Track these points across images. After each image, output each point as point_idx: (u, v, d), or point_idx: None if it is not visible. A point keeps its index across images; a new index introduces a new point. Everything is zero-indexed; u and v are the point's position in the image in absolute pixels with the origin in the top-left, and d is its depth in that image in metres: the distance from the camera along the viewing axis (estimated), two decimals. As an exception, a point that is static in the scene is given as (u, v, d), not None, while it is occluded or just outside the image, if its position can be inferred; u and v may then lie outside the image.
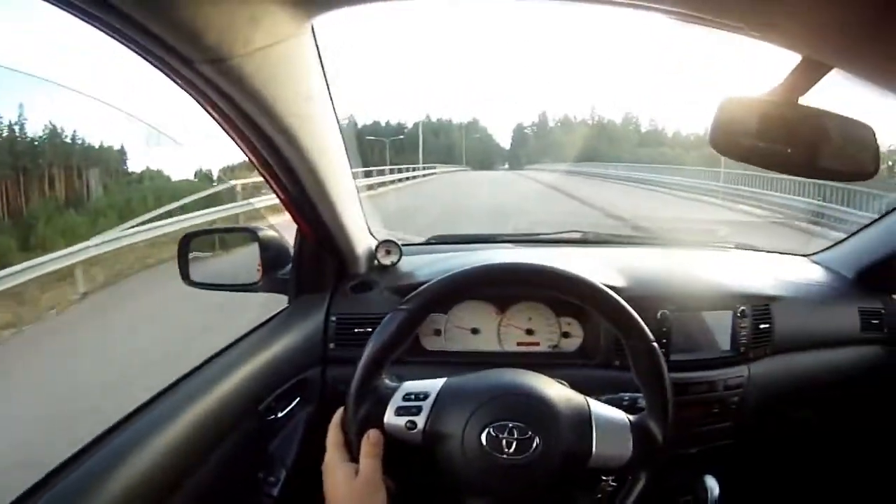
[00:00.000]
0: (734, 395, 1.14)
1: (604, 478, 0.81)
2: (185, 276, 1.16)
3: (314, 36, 0.74)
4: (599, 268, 1.16)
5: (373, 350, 0.80)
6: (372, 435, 0.78)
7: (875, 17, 0.35)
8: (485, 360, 1.08)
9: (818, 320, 1.29)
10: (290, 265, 1.18)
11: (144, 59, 0.60)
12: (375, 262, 1.24)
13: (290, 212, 1.03)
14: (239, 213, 8.34)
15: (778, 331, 1.20)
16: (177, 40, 0.56)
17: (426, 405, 0.78)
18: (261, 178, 0.91)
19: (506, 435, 0.74)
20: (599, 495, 0.81)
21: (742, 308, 1.16)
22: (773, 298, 1.22)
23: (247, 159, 0.85)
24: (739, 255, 1.50)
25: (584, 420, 0.77)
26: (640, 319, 0.80)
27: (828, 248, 1.52)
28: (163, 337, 3.95)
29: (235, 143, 0.81)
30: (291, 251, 1.18)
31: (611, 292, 0.81)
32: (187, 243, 1.18)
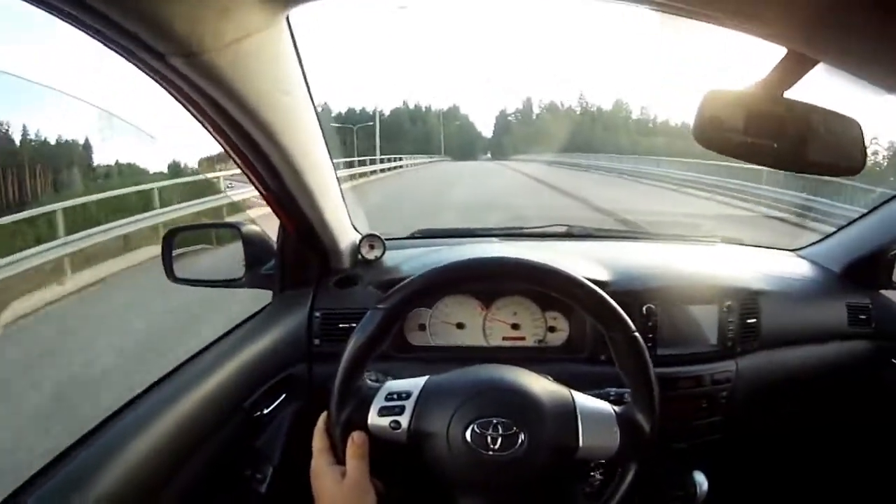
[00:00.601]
0: (722, 390, 1.15)
1: (592, 472, 0.83)
2: (170, 272, 1.15)
3: (290, 28, 0.73)
4: (584, 262, 1.17)
5: (352, 350, 0.80)
6: (356, 437, 0.78)
7: (861, 10, 0.36)
8: (470, 355, 1.08)
9: (805, 315, 1.31)
10: (274, 261, 1.18)
11: (117, 52, 0.59)
12: (359, 256, 1.24)
13: (271, 206, 1.02)
14: (220, 205, 8.35)
15: (765, 325, 1.22)
16: (148, 34, 0.55)
17: (409, 404, 0.78)
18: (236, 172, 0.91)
19: (490, 431, 0.74)
20: (588, 489, 0.83)
21: (729, 303, 1.17)
22: (760, 293, 1.23)
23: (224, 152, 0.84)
24: (726, 250, 1.51)
25: (568, 413, 0.77)
26: (620, 310, 0.80)
27: (815, 243, 1.54)
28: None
29: (213, 137, 0.80)
30: (274, 247, 1.17)
31: (591, 284, 0.81)
32: (172, 239, 1.17)
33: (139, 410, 0.83)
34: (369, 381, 0.82)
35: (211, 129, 0.78)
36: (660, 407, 0.79)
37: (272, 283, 1.18)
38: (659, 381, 0.80)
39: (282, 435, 1.04)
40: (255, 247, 1.16)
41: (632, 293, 1.11)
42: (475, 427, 0.74)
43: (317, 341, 1.13)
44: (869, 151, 0.53)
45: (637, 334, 0.80)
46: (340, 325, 1.12)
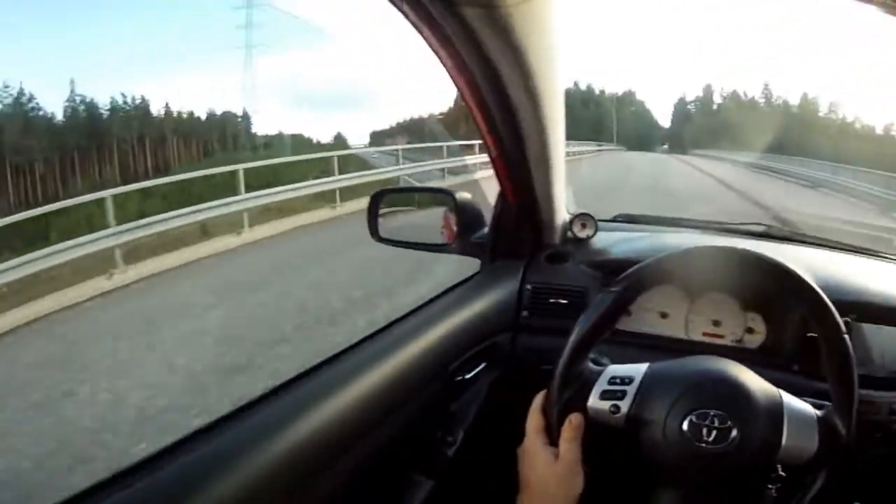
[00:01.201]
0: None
1: (774, 474, 0.79)
2: (374, 231, 1.23)
3: None
4: (786, 263, 1.09)
5: (581, 332, 0.81)
6: (574, 418, 0.79)
7: None
8: (670, 346, 1.09)
9: None
10: (486, 229, 1.21)
11: None
12: (570, 234, 1.25)
13: (499, 174, 1.05)
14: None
15: None
16: None
17: (631, 389, 0.78)
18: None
19: (707, 423, 0.73)
20: (775, 491, 0.79)
21: None
22: None
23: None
24: None
25: (778, 411, 0.76)
26: (836, 312, 0.79)
27: None
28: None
29: (463, 95, 0.82)
30: (485, 216, 1.21)
31: (812, 281, 0.80)
32: (378, 200, 1.25)
33: (346, 363, 0.88)
34: (591, 365, 0.83)
35: (465, 87, 0.80)
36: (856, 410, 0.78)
37: (481, 251, 1.21)
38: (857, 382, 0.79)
39: (477, 401, 1.08)
40: (466, 214, 1.20)
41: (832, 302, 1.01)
42: (693, 417, 0.74)
43: (525, 313, 1.16)
44: None
45: (847, 336, 0.78)
46: (550, 300, 1.14)
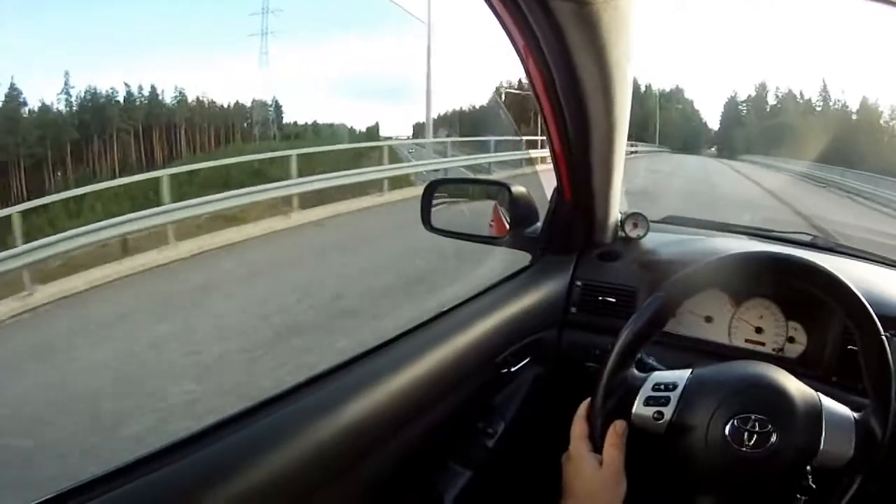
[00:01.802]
0: None
1: (806, 483, 0.80)
2: (427, 221, 1.27)
3: None
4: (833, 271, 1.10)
5: (628, 338, 0.83)
6: (618, 425, 0.82)
7: None
8: (713, 350, 1.11)
9: None
10: (539, 224, 1.24)
11: None
12: (621, 233, 1.27)
13: (559, 168, 1.08)
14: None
15: None
16: None
17: (674, 396, 0.81)
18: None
19: (748, 427, 0.76)
20: (806, 497, 0.81)
21: None
22: None
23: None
24: None
25: (816, 415, 0.78)
26: (878, 322, 0.81)
27: None
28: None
29: (535, 88, 0.86)
30: (538, 210, 1.24)
31: (856, 291, 0.82)
32: (432, 190, 1.29)
33: (394, 353, 0.92)
34: (635, 372, 0.85)
35: (539, 81, 0.83)
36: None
37: (533, 246, 1.24)
38: None
39: (520, 395, 1.11)
40: (520, 208, 1.23)
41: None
42: (735, 422, 0.77)
43: (573, 309, 1.18)
44: None
45: (885, 337, 0.80)
46: (600, 298, 1.17)
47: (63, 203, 6.76)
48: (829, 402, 0.81)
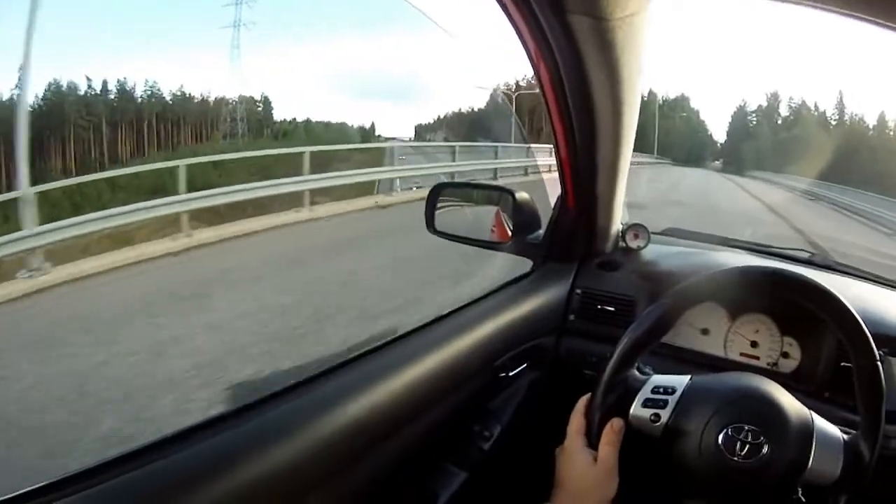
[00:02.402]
0: None
1: (795, 496, 0.83)
2: (431, 224, 1.30)
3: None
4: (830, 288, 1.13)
5: (631, 340, 0.87)
6: (615, 423, 0.85)
7: None
8: (708, 362, 1.15)
9: None
10: (541, 231, 1.27)
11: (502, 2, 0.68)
12: (622, 243, 1.31)
13: (564, 177, 1.11)
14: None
15: None
16: None
17: (672, 399, 0.84)
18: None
19: (741, 437, 0.79)
20: None
21: None
22: None
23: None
24: None
25: (808, 432, 0.81)
26: (871, 338, 0.84)
27: None
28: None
29: (546, 97, 0.89)
30: (540, 217, 1.27)
31: (853, 309, 0.85)
32: (437, 193, 1.32)
33: (392, 354, 0.95)
34: (636, 373, 0.89)
35: (550, 90, 0.87)
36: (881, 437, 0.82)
37: (534, 252, 1.27)
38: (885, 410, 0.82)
39: (517, 399, 1.14)
40: (523, 215, 1.26)
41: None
42: (728, 431, 0.80)
43: (572, 317, 1.22)
44: None
45: (880, 363, 0.83)
46: (598, 307, 1.20)
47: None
48: (820, 421, 0.83)
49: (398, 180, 9.36)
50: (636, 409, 0.86)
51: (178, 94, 11.78)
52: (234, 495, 0.66)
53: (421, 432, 0.95)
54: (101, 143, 10.01)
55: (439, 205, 1.34)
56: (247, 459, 0.68)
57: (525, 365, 1.16)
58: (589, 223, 1.23)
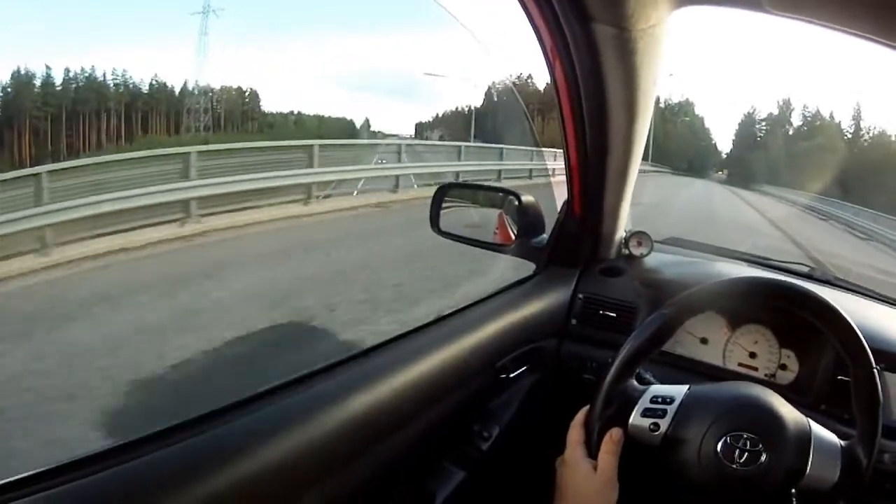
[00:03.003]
0: None
1: (791, 502, 0.85)
2: (435, 223, 1.33)
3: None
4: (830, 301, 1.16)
5: (631, 350, 0.89)
6: (614, 433, 0.87)
7: None
8: (706, 372, 1.17)
9: None
10: (545, 235, 1.30)
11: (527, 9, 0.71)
12: (625, 250, 1.34)
13: (572, 182, 1.14)
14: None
15: None
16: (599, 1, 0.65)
17: (671, 409, 0.86)
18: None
19: (740, 445, 0.81)
20: None
21: None
22: None
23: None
24: None
25: (805, 439, 0.83)
26: (867, 347, 0.86)
27: None
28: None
29: (560, 101, 0.92)
30: (545, 221, 1.30)
31: (848, 318, 0.88)
32: (443, 193, 1.35)
33: (395, 352, 0.97)
34: (635, 383, 0.91)
35: (565, 95, 0.89)
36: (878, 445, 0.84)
37: (538, 255, 1.29)
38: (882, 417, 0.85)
39: (516, 401, 1.16)
40: (528, 217, 1.29)
41: None
42: (727, 439, 0.82)
43: (574, 321, 1.24)
44: None
45: (876, 371, 0.86)
46: (600, 312, 1.22)
47: None
48: (817, 428, 0.85)
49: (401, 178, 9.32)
50: (635, 418, 0.88)
51: (155, 83, 11.24)
52: (229, 492, 0.67)
53: (420, 431, 0.96)
54: (58, 135, 9.63)
55: (444, 205, 1.36)
56: (241, 456, 0.69)
57: (526, 367, 1.18)
58: (594, 229, 1.26)
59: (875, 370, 0.86)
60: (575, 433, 0.91)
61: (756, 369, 1.20)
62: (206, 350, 3.32)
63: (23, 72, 9.21)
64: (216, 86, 11.78)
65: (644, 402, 0.89)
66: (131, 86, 10.77)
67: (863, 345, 0.87)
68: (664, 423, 0.86)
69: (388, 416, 0.89)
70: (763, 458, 0.81)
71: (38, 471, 0.59)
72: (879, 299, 1.44)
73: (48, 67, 9.72)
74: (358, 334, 3.61)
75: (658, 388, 0.90)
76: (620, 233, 1.33)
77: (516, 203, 1.31)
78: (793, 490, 0.83)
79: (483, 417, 1.14)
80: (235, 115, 12.37)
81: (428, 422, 0.98)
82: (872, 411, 0.85)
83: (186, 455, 0.66)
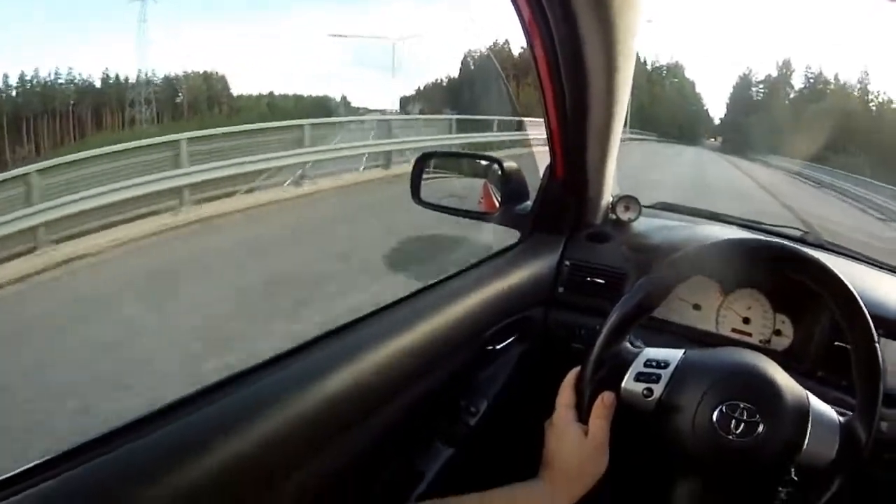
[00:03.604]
0: None
1: (788, 477, 0.85)
2: (416, 193, 1.31)
3: None
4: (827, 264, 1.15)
5: (622, 313, 0.87)
6: (606, 397, 0.85)
7: None
8: (699, 338, 1.16)
9: None
10: (529, 202, 1.28)
11: None
12: (612, 215, 1.32)
13: (553, 145, 1.11)
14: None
15: None
16: None
17: (666, 374, 0.85)
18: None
19: (736, 415, 0.80)
20: (785, 494, 0.86)
21: None
22: None
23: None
24: None
25: (804, 413, 0.82)
26: (869, 317, 0.84)
27: None
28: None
29: (536, 60, 0.89)
30: (528, 187, 1.28)
31: (853, 289, 0.85)
32: (423, 162, 1.33)
33: (377, 326, 0.95)
34: (629, 346, 0.89)
35: (541, 53, 0.87)
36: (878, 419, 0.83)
37: (522, 223, 1.28)
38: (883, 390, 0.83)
39: (505, 373, 1.16)
40: (511, 185, 1.27)
41: None
42: (723, 408, 0.80)
43: (561, 289, 1.23)
44: None
45: (877, 344, 0.84)
46: (588, 279, 1.21)
47: None
48: (816, 402, 0.84)
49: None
50: (628, 382, 0.86)
51: (106, 77, 10.99)
52: (212, 474, 0.66)
53: (406, 407, 0.95)
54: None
55: (425, 175, 1.35)
56: (224, 437, 0.68)
57: (513, 338, 1.17)
58: (578, 194, 1.24)
59: (876, 344, 0.84)
60: (565, 395, 0.89)
61: (750, 335, 1.19)
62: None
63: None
64: (174, 74, 11.67)
65: (637, 366, 0.87)
66: (78, 83, 10.55)
67: (863, 312, 0.85)
68: (658, 389, 0.84)
69: (371, 392, 0.87)
70: (760, 429, 0.80)
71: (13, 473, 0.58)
72: (874, 265, 1.44)
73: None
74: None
75: (652, 352, 0.89)
76: (607, 198, 1.31)
77: (499, 170, 1.29)
78: (793, 466, 0.83)
79: (470, 391, 1.13)
80: (200, 102, 12.18)
81: (413, 397, 0.97)
82: (873, 384, 0.84)
83: (164, 444, 0.65)
